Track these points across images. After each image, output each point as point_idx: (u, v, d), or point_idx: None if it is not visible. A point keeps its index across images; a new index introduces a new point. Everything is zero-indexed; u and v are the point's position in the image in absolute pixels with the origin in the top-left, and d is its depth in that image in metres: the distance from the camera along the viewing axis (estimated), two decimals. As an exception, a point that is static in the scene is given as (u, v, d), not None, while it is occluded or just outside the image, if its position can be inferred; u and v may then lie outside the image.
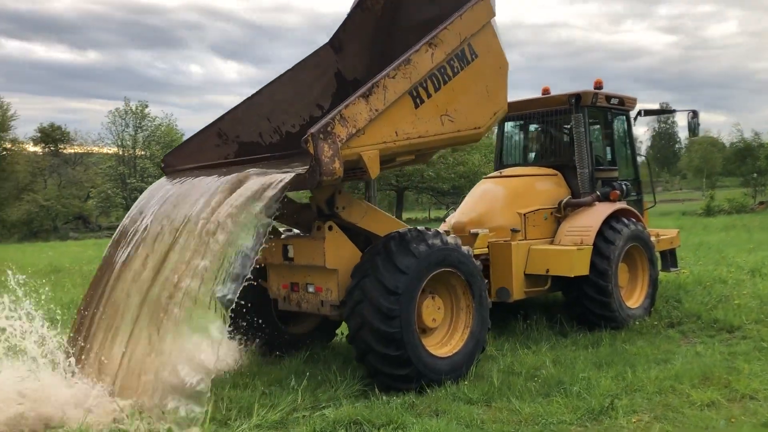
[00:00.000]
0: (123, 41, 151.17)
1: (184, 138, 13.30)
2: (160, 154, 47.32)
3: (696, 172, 67.22)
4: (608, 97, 9.57)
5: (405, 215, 45.07)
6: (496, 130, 10.55)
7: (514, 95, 9.75)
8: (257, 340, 7.52)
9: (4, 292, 6.39)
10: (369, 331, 6.10)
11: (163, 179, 7.05)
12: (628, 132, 10.31)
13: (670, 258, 10.40)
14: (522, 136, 10.31)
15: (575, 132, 9.05)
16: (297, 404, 5.87)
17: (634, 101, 10.17)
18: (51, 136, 62.79)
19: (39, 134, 62.65)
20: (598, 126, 9.94)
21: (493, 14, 6.78)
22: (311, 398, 6.02)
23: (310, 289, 6.86)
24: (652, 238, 9.58)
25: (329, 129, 5.46)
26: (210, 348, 5.63)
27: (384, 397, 5.98)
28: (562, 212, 8.96)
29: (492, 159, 18.25)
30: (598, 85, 9.63)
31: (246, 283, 7.13)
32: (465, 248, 6.78)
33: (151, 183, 9.30)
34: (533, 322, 8.55)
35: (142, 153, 59.03)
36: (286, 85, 7.42)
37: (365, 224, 6.84)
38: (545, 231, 8.84)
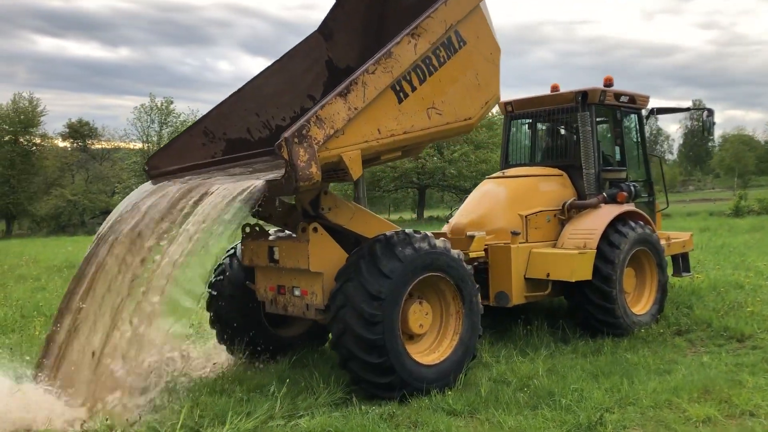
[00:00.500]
0: (154, 38, 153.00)
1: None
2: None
3: (727, 170, 65.83)
4: (617, 95, 9.23)
5: (428, 213, 44.77)
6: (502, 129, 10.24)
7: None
8: (244, 343, 7.35)
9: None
10: (351, 337, 5.89)
11: (147, 184, 6.81)
12: (640, 131, 9.95)
13: (682, 262, 10.03)
14: (528, 135, 10.00)
15: (581, 131, 8.73)
16: (274, 412, 5.68)
17: (645, 99, 9.81)
18: (79, 131, 63.73)
19: (67, 130, 63.59)
20: (607, 125, 9.60)
21: None
22: (290, 406, 5.82)
23: (296, 293, 6.66)
24: (663, 242, 9.22)
25: (304, 132, 5.21)
26: (176, 353, 5.49)
27: (363, 407, 5.77)
28: (566, 214, 8.65)
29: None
30: (608, 82, 9.29)
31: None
32: (455, 252, 6.52)
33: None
34: (534, 328, 8.26)
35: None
36: (275, 77, 7.15)
37: (353, 226, 6.63)
38: (548, 233, 8.54)
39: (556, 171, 9.07)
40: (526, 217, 8.36)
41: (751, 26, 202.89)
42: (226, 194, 5.19)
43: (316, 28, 7.44)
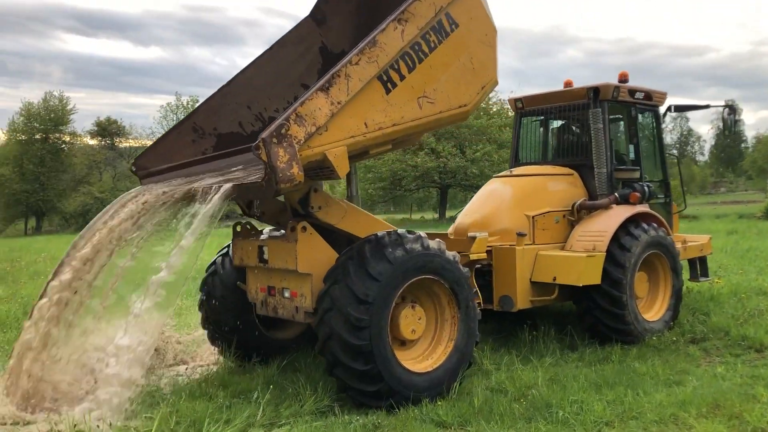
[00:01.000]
0: (184, 38, 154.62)
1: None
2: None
3: (759, 172, 64.31)
4: (632, 91, 8.82)
5: (450, 212, 44.26)
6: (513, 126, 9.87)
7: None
8: (235, 345, 7.13)
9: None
10: (337, 342, 5.61)
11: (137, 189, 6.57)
12: (656, 129, 9.52)
13: (700, 266, 9.57)
14: (538, 132, 9.63)
15: (593, 128, 8.35)
16: (255, 420, 5.44)
17: (662, 96, 9.38)
18: (107, 130, 64.47)
19: (96, 128, 64.36)
20: (621, 122, 9.19)
21: None
22: (272, 413, 5.58)
23: (286, 294, 6.40)
24: (678, 245, 8.80)
25: (283, 131, 4.92)
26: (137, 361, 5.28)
27: (347, 416, 5.49)
28: (575, 215, 8.28)
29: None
30: (623, 78, 8.90)
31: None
32: (450, 254, 6.21)
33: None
34: (540, 334, 7.90)
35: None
36: (265, 67, 6.86)
37: (345, 225, 6.34)
38: (556, 235, 8.17)
39: (566, 170, 8.69)
40: (533, 217, 8.01)
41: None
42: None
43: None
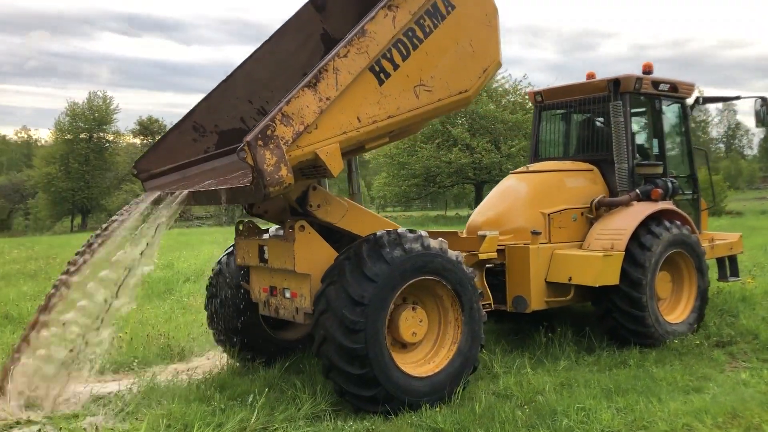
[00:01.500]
0: (224, 37, 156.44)
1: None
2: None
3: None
4: (656, 83, 8.44)
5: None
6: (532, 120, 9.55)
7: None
8: (239, 345, 7.02)
9: None
10: (332, 345, 5.44)
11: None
12: (684, 122, 9.11)
13: (729, 266, 9.13)
14: (558, 126, 9.30)
15: (613, 122, 8.00)
16: (247, 424, 5.30)
17: (690, 87, 8.97)
18: (149, 128, 65.59)
19: (138, 127, 65.59)
20: (645, 115, 8.81)
21: None
22: (266, 417, 5.43)
23: (287, 295, 6.27)
24: (705, 244, 8.39)
25: (269, 133, 4.74)
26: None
27: (340, 422, 5.32)
28: (593, 212, 7.95)
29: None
30: (647, 69, 8.52)
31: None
32: (453, 253, 5.98)
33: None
34: (557, 336, 7.61)
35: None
36: (266, 59, 6.66)
37: (345, 224, 6.16)
38: (574, 233, 7.85)
39: (586, 166, 8.35)
40: (549, 215, 7.70)
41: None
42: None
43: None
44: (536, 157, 9.30)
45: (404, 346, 5.93)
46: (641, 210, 7.69)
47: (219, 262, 7.27)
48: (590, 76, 8.89)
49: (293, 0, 7.34)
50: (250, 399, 5.71)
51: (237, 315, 7.01)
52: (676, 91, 8.73)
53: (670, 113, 8.96)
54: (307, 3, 6.78)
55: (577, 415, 5.33)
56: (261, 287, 6.64)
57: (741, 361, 7.09)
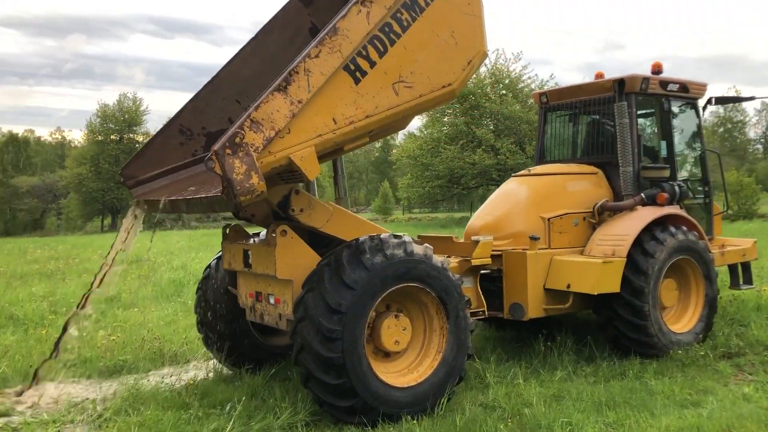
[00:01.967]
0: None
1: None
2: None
3: None
4: (665, 83, 8.14)
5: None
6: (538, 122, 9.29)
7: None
8: (228, 350, 6.91)
9: None
10: (309, 354, 5.29)
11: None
12: (695, 124, 8.78)
13: (742, 273, 8.77)
14: (563, 128, 9.03)
15: (618, 123, 7.73)
16: (221, 434, 5.19)
17: (701, 88, 8.64)
18: (178, 130, 66.37)
19: (167, 128, 66.46)
20: (653, 117, 8.50)
21: None
22: (242, 427, 5.31)
23: (271, 300, 6.14)
24: (715, 250, 8.06)
25: (237, 140, 4.59)
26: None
27: (313, 433, 5.18)
28: (596, 217, 7.69)
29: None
30: (656, 69, 8.23)
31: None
32: (438, 259, 5.79)
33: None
34: (556, 344, 7.37)
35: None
36: (252, 57, 6.51)
37: (330, 229, 6.00)
38: (575, 239, 7.60)
39: (589, 168, 8.09)
40: (548, 220, 7.47)
41: None
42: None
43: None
44: (541, 160, 9.06)
45: (387, 354, 5.76)
46: (645, 215, 7.41)
47: (209, 266, 7.18)
48: (599, 76, 8.62)
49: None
50: (228, 407, 5.59)
51: (225, 320, 6.91)
52: (686, 92, 8.42)
53: (680, 114, 8.65)
54: None
55: (561, 430, 5.11)
56: (247, 292, 6.52)
57: (747, 373, 6.77)
